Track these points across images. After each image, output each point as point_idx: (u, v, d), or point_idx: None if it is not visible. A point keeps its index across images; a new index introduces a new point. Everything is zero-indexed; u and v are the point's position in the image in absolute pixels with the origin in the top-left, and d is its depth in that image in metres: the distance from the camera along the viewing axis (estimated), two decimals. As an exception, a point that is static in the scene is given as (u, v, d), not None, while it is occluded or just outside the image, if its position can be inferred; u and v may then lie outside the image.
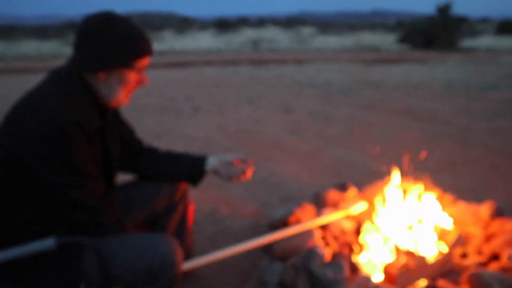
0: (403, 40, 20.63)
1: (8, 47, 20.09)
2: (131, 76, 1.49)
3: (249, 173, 1.89)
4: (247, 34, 28.04)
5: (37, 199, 1.42)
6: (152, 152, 1.90)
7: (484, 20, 58.09)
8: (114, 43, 1.42)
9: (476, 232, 2.26)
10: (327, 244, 2.22)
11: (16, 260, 1.32)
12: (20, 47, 20.07)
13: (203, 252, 2.41)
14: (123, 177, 1.88)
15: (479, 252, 2.18)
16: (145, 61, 1.51)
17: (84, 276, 1.47)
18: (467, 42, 21.34)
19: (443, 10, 20.31)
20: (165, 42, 22.69)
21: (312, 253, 2.00)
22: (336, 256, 2.06)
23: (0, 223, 1.42)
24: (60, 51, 18.33)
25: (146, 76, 1.55)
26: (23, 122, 1.35)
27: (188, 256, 1.89)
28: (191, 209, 2.06)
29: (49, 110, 1.35)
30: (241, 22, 47.95)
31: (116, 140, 1.70)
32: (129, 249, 1.47)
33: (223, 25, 36.42)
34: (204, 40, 23.82)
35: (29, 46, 20.08)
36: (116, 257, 1.43)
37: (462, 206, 2.41)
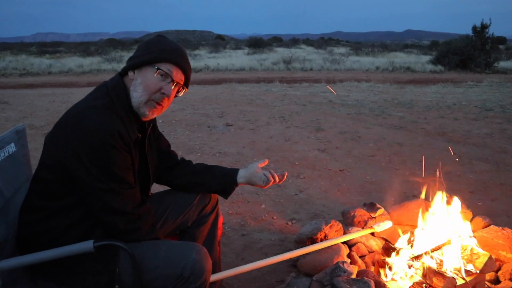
0: (437, 60, 20.25)
1: (54, 62, 21.15)
2: (153, 78, 1.53)
3: (283, 177, 1.92)
4: (280, 53, 28.29)
5: (79, 205, 1.51)
6: (186, 164, 1.98)
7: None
8: (148, 46, 1.57)
9: (508, 257, 2.22)
10: (353, 261, 2.23)
11: (57, 260, 1.42)
12: (65, 62, 21.07)
13: (232, 264, 2.48)
14: (158, 188, 1.98)
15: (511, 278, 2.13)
16: (171, 69, 1.55)
17: (118, 279, 1.54)
18: (504, 64, 20.75)
19: (479, 31, 19.87)
20: (200, 60, 23.23)
21: (338, 269, 2.02)
22: (361, 273, 2.07)
23: (45, 225, 1.51)
24: (101, 66, 19.11)
25: (171, 88, 1.57)
26: (70, 132, 1.45)
27: (214, 266, 1.93)
28: (220, 221, 2.11)
29: (94, 121, 1.44)
30: (275, 41, 48.43)
31: (154, 152, 1.80)
32: (161, 256, 1.53)
33: (257, 44, 36.85)
34: (238, 58, 24.20)
35: (73, 62, 21.04)
36: (148, 262, 1.50)
37: (495, 230, 2.37)
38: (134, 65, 1.56)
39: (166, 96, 1.56)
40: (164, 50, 1.55)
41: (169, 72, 1.55)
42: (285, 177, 1.93)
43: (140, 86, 1.54)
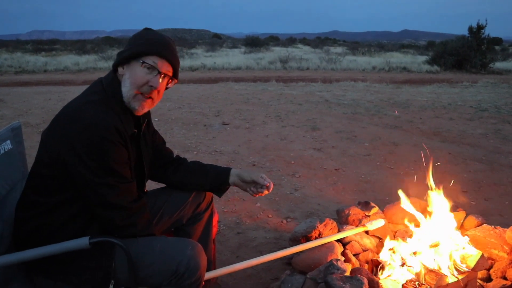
0: (433, 61, 20.31)
1: (50, 60, 21.05)
2: (139, 71, 1.55)
3: (268, 190, 1.92)
4: (277, 52, 28.28)
5: (75, 200, 1.51)
6: (180, 162, 1.99)
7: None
8: (133, 40, 1.59)
9: (500, 255, 2.24)
10: (347, 259, 2.25)
11: (53, 257, 1.43)
12: (60, 60, 20.96)
13: (227, 262, 2.49)
14: (153, 185, 1.99)
15: (504, 276, 2.16)
16: (156, 61, 1.55)
17: (114, 275, 1.54)
18: (499, 64, 20.85)
19: (475, 32, 19.95)
20: (196, 59, 23.18)
21: (332, 267, 2.03)
22: (355, 271, 2.09)
23: (41, 221, 1.52)
24: (98, 64, 19.05)
25: (158, 80, 1.57)
26: (67, 127, 1.46)
27: (209, 264, 1.94)
28: (215, 219, 2.13)
29: (91, 116, 1.45)
30: (272, 40, 48.40)
31: (149, 148, 1.81)
32: (156, 252, 1.55)
33: (254, 43, 36.78)
34: (235, 57, 24.16)
35: (69, 60, 20.95)
36: (144, 258, 1.51)
37: (487, 229, 2.40)
38: (122, 60, 1.58)
39: (154, 89, 1.57)
40: (148, 43, 1.56)
41: (154, 65, 1.56)
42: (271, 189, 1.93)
43: (128, 80, 1.56)
